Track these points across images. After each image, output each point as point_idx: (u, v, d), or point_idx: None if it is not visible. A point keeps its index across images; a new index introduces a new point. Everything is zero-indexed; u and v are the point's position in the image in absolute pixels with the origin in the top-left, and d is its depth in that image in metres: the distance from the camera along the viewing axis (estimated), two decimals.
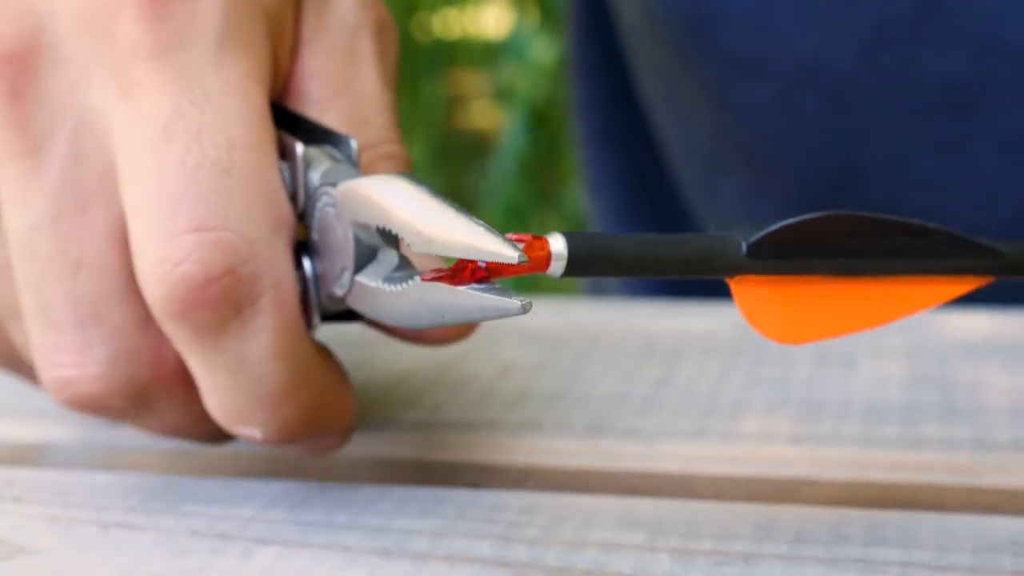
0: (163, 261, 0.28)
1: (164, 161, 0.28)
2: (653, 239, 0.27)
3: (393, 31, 0.33)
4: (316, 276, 0.30)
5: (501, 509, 0.31)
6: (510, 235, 0.26)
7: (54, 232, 0.29)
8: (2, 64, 0.29)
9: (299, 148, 0.30)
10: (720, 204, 0.54)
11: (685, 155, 0.56)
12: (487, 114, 2.29)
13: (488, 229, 0.26)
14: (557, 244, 0.26)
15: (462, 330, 0.32)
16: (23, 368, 0.34)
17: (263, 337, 0.29)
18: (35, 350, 0.30)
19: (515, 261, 0.25)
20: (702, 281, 0.36)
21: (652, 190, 0.59)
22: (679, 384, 0.39)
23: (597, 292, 0.67)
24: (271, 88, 0.31)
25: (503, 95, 2.18)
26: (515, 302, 0.25)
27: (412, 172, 0.31)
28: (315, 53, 0.32)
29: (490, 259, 0.25)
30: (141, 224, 0.28)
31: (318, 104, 0.32)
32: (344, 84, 0.32)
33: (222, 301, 0.28)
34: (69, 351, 0.30)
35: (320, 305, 0.30)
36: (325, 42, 0.32)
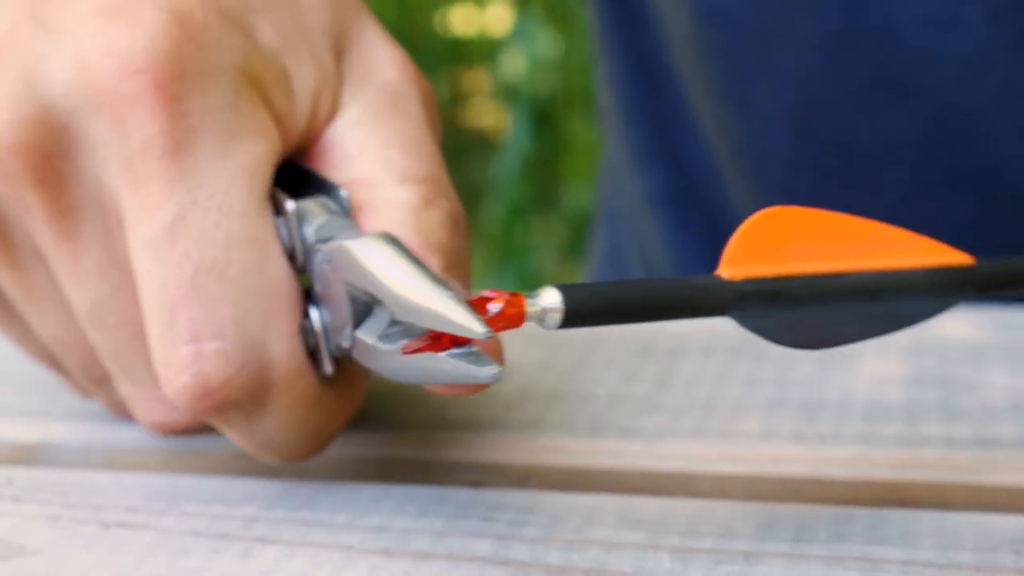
0: (166, 366, 0.29)
1: (166, 266, 0.29)
2: (644, 285, 0.28)
3: (437, 106, 0.34)
4: (325, 325, 0.31)
5: (502, 508, 0.31)
6: (488, 292, 0.27)
7: (115, 306, 0.31)
8: (26, 154, 0.30)
9: (290, 205, 0.30)
10: (712, 71, 0.53)
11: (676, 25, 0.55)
12: (490, 112, 2.29)
13: (458, 301, 0.26)
14: (552, 298, 0.27)
15: (469, 388, 0.30)
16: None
17: (273, 418, 0.30)
18: (126, 398, 0.33)
19: (481, 337, 0.26)
20: None
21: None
22: (680, 383, 0.39)
23: None
24: (286, 151, 0.32)
25: (507, 93, 2.17)
26: (485, 371, 0.27)
27: (463, 225, 0.32)
28: (358, 109, 0.32)
29: (459, 334, 0.26)
30: (148, 323, 0.30)
31: (363, 155, 0.32)
32: (393, 136, 0.32)
33: (222, 407, 0.30)
34: (156, 402, 0.33)
35: (331, 352, 0.31)
36: (369, 100, 0.32)
